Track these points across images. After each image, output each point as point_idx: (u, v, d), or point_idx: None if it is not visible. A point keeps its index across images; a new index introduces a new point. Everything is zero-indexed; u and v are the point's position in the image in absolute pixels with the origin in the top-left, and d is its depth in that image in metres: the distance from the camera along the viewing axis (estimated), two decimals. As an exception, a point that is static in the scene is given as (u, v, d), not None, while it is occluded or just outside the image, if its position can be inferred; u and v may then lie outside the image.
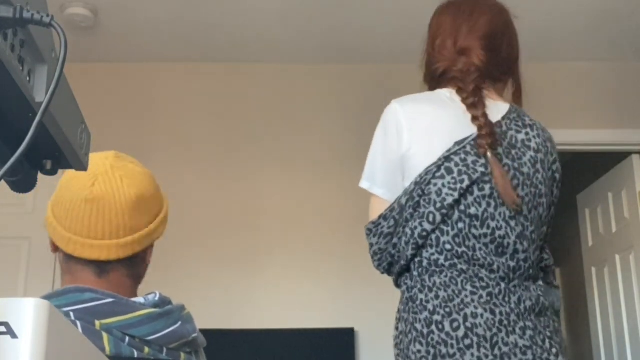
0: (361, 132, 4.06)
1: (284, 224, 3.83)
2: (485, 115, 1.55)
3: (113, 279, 1.22)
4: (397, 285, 1.61)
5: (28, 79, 0.60)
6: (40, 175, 0.71)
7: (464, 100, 1.58)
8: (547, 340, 1.46)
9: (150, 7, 3.52)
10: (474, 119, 1.55)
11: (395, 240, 1.56)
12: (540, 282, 1.56)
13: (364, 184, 1.65)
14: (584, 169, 5.04)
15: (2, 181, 0.60)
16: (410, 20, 3.59)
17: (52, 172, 0.70)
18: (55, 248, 1.26)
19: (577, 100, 4.03)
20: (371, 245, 1.61)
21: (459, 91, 1.60)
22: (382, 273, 1.64)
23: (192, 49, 3.92)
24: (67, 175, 1.25)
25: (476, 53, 1.63)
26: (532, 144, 1.59)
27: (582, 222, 4.70)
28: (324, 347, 3.59)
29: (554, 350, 1.46)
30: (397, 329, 1.56)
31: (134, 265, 1.27)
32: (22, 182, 0.69)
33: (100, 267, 1.21)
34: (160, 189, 1.34)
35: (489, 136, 1.52)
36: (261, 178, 3.90)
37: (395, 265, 1.58)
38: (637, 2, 3.52)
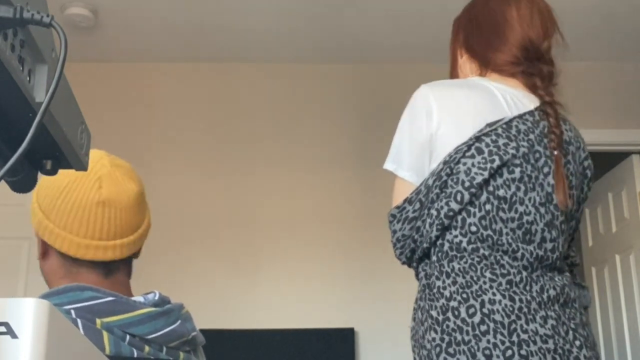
0: (361, 132, 4.06)
1: (283, 224, 3.83)
2: (557, 112, 1.56)
3: (117, 278, 1.23)
4: (418, 274, 1.55)
5: (28, 79, 0.60)
6: (40, 175, 0.71)
7: (539, 91, 1.60)
8: (570, 332, 1.40)
9: (150, 7, 3.52)
10: (547, 114, 1.55)
11: (419, 223, 1.49)
12: (567, 274, 1.51)
13: (389, 166, 1.57)
14: (584, 169, 5.03)
15: (2, 181, 0.60)
16: (411, 20, 3.60)
17: (52, 172, 0.70)
18: (44, 255, 1.22)
19: (577, 100, 4.00)
20: (394, 232, 1.53)
21: (535, 86, 1.63)
22: (403, 263, 1.57)
23: (192, 49, 3.92)
24: (60, 180, 1.20)
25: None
26: (565, 137, 1.56)
27: (582, 222, 4.69)
28: (324, 347, 3.58)
29: (577, 342, 1.40)
30: (413, 319, 1.51)
31: (131, 263, 1.28)
32: (22, 182, 0.69)
33: (107, 267, 1.21)
34: None
35: (559, 135, 1.51)
36: (261, 178, 3.90)
37: (417, 251, 1.52)
38: (637, 2, 3.52)
